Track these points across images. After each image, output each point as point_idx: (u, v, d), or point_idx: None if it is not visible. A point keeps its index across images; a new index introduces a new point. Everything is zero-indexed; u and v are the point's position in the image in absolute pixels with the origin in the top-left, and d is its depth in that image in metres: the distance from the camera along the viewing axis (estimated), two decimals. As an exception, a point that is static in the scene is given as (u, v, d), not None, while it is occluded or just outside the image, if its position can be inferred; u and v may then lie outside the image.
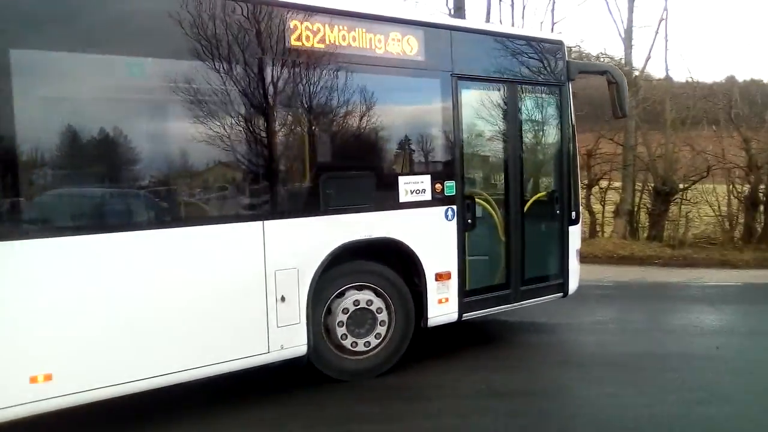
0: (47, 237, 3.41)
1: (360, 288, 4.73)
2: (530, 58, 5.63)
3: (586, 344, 5.93)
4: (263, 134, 4.17)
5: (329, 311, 4.63)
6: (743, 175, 12.79)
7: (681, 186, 13.23)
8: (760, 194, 12.35)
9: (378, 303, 4.76)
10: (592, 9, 37.08)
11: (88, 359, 3.54)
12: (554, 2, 14.16)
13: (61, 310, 3.45)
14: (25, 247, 3.34)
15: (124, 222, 3.73)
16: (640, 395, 4.36)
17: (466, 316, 5.24)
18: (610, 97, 6.11)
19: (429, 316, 4.99)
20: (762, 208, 12.35)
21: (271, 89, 4.19)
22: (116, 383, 3.63)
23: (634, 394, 4.39)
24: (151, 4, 3.74)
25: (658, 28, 13.38)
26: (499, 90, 5.46)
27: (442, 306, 5.07)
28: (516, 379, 4.78)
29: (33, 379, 3.39)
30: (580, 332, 6.27)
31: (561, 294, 5.94)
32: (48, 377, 3.42)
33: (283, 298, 4.24)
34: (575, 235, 6.05)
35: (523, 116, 5.63)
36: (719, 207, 13.05)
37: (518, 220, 5.54)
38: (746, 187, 12.71)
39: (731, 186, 13.04)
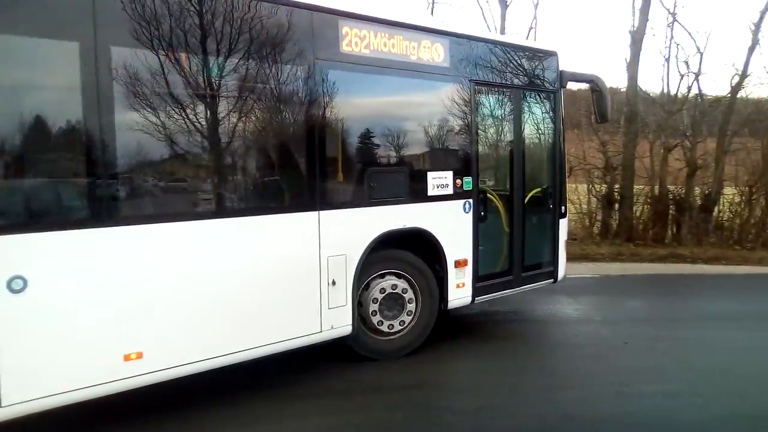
0: (141, 224, 3.65)
1: (392, 275, 5.16)
2: (531, 66, 6.24)
3: (453, 336, 5.98)
4: (320, 133, 4.52)
5: (363, 295, 5.04)
6: (601, 175, 14.20)
7: (546, 185, 14.49)
8: (615, 193, 13.72)
9: (408, 290, 5.21)
10: (468, 14, 38.74)
11: (173, 339, 3.80)
12: (433, 4, 14.74)
13: (151, 293, 3.68)
14: (122, 233, 3.56)
15: (210, 210, 4.00)
16: (502, 382, 4.79)
17: (478, 299, 5.79)
18: (593, 103, 6.84)
19: (449, 299, 5.50)
20: (617, 206, 13.71)
21: (325, 96, 4.54)
22: (197, 360, 3.90)
23: (495, 381, 4.82)
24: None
25: (528, 36, 14.32)
26: (505, 95, 6.03)
27: (460, 290, 5.59)
28: (387, 374, 4.93)
29: (126, 357, 3.61)
30: (450, 327, 6.16)
31: (552, 280, 6.61)
32: (139, 355, 3.66)
33: (333, 282, 4.62)
34: (564, 227, 6.74)
35: (524, 119, 6.22)
36: (580, 205, 14.37)
37: (519, 213, 6.14)
38: (603, 187, 14.12)
39: (590, 185, 14.44)
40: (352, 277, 4.75)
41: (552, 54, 6.47)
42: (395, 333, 5.21)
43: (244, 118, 4.12)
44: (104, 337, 3.53)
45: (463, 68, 5.50)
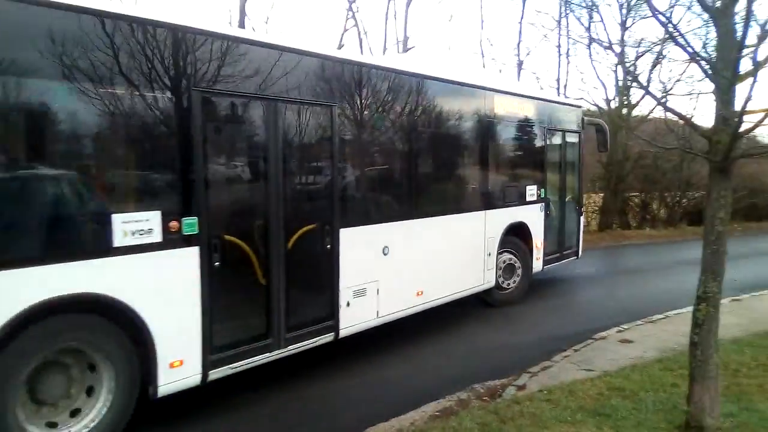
0: (423, 218, 6.42)
1: (507, 252, 8.16)
2: (571, 116, 9.50)
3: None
4: (488, 164, 7.47)
5: (491, 264, 8.01)
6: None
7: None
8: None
9: (516, 260, 8.23)
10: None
11: (434, 283, 6.56)
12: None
13: (425, 255, 6.44)
14: (417, 222, 6.31)
15: (446, 210, 6.83)
16: (557, 310, 8.36)
17: (545, 268, 8.93)
18: (598, 138, 10.27)
19: (533, 267, 8.59)
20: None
21: (493, 141, 7.50)
22: (439, 297, 6.70)
23: (547, 308, 8.38)
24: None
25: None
26: (559, 136, 9.20)
27: (537, 262, 8.70)
28: (500, 311, 8.53)
29: (418, 293, 6.35)
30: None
31: (576, 257, 9.91)
32: (421, 293, 6.40)
33: (489, 254, 7.55)
34: (582, 221, 10.09)
35: (566, 150, 9.45)
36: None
37: (563, 212, 9.37)
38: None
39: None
40: (496, 250, 7.72)
41: (580, 106, 9.81)
42: (508, 289, 8.21)
43: (464, 161, 7.08)
44: (412, 281, 6.25)
45: (542, 119, 8.64)
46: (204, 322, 4.29)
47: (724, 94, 3.71)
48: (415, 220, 6.28)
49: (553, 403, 4.48)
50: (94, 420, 3.85)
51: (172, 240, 4.07)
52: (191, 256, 4.20)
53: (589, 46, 19.05)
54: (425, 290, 6.45)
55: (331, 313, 5.36)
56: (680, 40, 3.88)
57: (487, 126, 7.43)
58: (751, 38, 3.54)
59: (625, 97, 18.54)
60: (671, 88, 16.72)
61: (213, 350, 4.38)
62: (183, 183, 4.18)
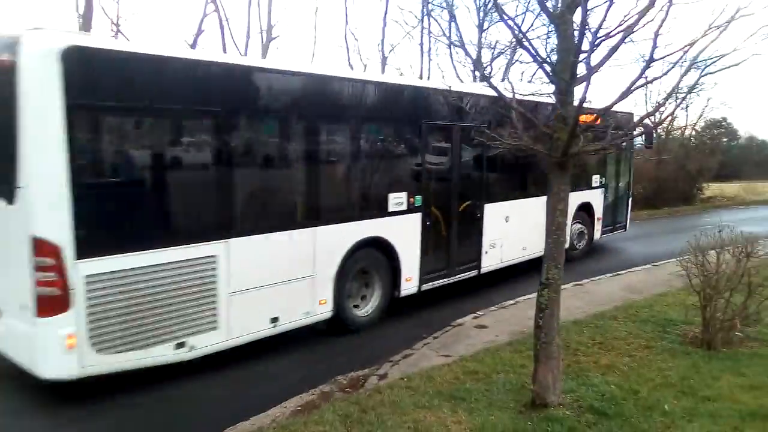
0: (529, 198, 9.44)
1: (576, 223, 11.14)
2: (625, 120, 12.31)
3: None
4: (568, 158, 10.41)
5: (565, 232, 10.98)
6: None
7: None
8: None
9: (584, 229, 11.20)
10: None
11: (531, 243, 9.59)
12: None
13: (527, 225, 9.46)
14: (525, 201, 9.32)
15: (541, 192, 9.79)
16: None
17: (602, 236, 11.90)
18: (645, 138, 13.10)
19: (595, 236, 11.56)
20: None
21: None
22: (534, 253, 9.72)
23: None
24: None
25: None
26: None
27: (597, 232, 11.68)
28: (572, 264, 11.47)
29: (523, 249, 9.41)
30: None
31: (624, 230, 12.84)
32: (525, 249, 9.45)
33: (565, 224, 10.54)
34: (630, 201, 12.99)
35: (625, 149, 12.30)
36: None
37: (616, 195, 12.27)
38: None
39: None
40: (571, 222, 10.71)
41: (632, 113, 12.62)
42: (578, 249, 11.20)
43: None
44: (520, 240, 9.29)
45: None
46: (421, 257, 7.45)
47: (563, 95, 3.92)
48: (523, 199, 9.31)
49: (412, 389, 4.61)
50: (373, 304, 7.07)
51: (410, 209, 7.22)
52: (417, 218, 7.36)
53: (449, 46, 19.17)
54: (527, 247, 9.51)
55: (477, 257, 8.49)
56: (526, 44, 4.14)
57: (569, 133, 10.37)
58: (587, 45, 3.79)
59: None
60: (521, 88, 18.68)
61: (423, 273, 7.55)
62: (416, 176, 7.31)
